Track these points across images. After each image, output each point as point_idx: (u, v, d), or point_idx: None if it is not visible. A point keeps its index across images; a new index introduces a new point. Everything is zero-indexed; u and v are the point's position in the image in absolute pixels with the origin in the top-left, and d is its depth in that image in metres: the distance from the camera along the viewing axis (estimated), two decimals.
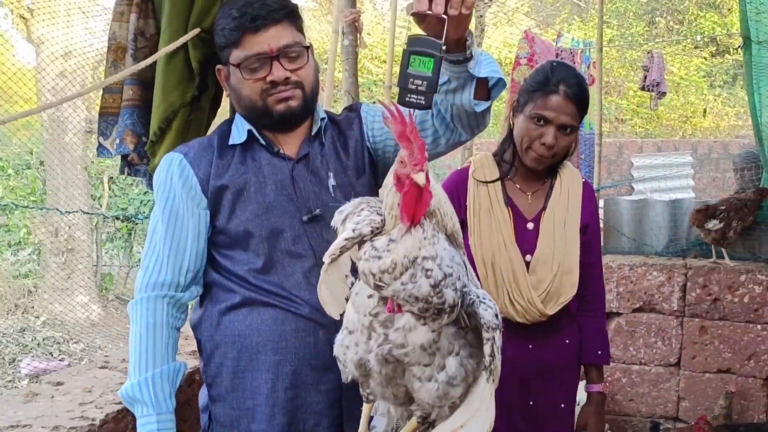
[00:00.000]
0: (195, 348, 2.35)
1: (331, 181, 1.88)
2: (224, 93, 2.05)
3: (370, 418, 1.64)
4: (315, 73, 1.90)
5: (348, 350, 1.45)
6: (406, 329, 1.37)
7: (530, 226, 2.29)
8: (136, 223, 8.40)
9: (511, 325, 2.23)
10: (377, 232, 1.37)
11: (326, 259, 1.41)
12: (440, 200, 1.38)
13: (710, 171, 12.34)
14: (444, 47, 1.50)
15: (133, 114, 2.10)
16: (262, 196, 1.82)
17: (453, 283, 1.34)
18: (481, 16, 5.05)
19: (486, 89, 1.76)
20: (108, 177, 8.11)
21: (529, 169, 2.30)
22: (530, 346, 2.31)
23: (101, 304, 8.10)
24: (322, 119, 1.93)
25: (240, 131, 1.88)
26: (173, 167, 1.84)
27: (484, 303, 1.37)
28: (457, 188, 2.32)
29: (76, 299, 7.71)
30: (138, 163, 2.16)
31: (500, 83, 1.77)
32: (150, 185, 2.11)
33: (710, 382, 4.20)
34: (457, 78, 1.69)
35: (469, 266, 1.43)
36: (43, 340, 6.61)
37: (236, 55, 1.80)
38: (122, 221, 8.33)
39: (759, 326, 4.09)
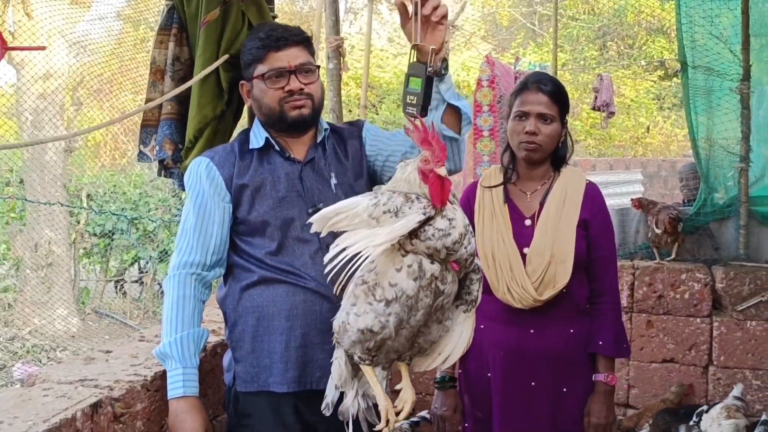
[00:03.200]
0: (215, 324, 2.74)
1: (333, 181, 2.30)
2: (245, 106, 2.49)
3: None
4: (322, 90, 2.34)
5: (391, 316, 1.79)
6: (452, 282, 1.83)
7: (528, 222, 2.60)
8: (113, 239, 8.70)
9: (513, 311, 2.56)
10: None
11: (387, 238, 1.70)
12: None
13: (659, 188, 12.96)
14: (430, 69, 1.96)
15: (171, 125, 2.53)
16: (276, 192, 2.24)
17: None
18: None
19: (459, 124, 2.23)
20: (86, 194, 8.42)
21: (528, 169, 2.64)
22: (532, 331, 2.58)
23: (80, 317, 8.37)
24: (326, 129, 2.37)
25: (258, 137, 2.30)
26: (201, 168, 2.26)
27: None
28: (468, 197, 2.72)
29: (56, 312, 7.97)
30: (172, 166, 2.58)
31: (469, 123, 2.24)
32: (181, 185, 2.51)
33: (656, 371, 4.65)
34: (433, 99, 2.15)
35: None
36: (32, 347, 6.88)
37: (260, 68, 2.24)
38: (99, 237, 8.62)
39: (698, 320, 4.56)
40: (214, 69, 2.39)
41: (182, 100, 2.52)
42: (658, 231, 4.57)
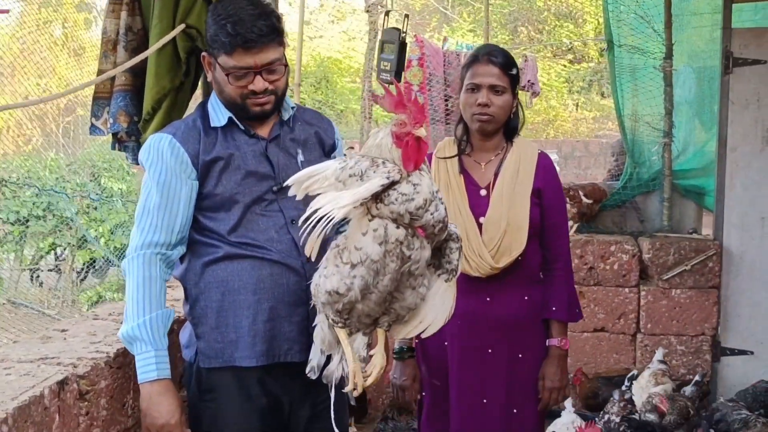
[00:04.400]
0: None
1: (300, 158, 2.28)
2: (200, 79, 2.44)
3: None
4: (287, 77, 2.28)
5: (355, 279, 1.82)
6: (421, 248, 1.83)
7: (483, 192, 2.62)
8: (28, 226, 8.39)
9: (470, 280, 2.54)
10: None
11: (350, 201, 1.73)
12: None
13: (573, 168, 13.34)
14: (404, 35, 1.96)
15: (126, 97, 2.45)
16: (245, 168, 2.20)
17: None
18: (373, 22, 5.54)
19: None
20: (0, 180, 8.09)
21: (481, 140, 2.66)
22: (488, 299, 2.61)
23: None
24: (293, 108, 2.33)
25: (219, 115, 2.23)
26: (164, 145, 2.17)
27: (451, 224, 1.86)
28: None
29: None
30: (126, 140, 2.51)
31: None
32: (135, 160, 2.45)
33: (588, 340, 4.81)
34: None
35: None
36: None
37: (225, 60, 2.13)
38: (12, 224, 8.30)
39: (627, 290, 4.74)
40: (171, 39, 2.32)
41: (137, 71, 2.45)
42: (588, 201, 4.73)
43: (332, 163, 1.86)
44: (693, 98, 5.19)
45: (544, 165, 2.70)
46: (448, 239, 1.89)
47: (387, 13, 1.89)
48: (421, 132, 1.77)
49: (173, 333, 2.46)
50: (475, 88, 2.61)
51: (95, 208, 8.51)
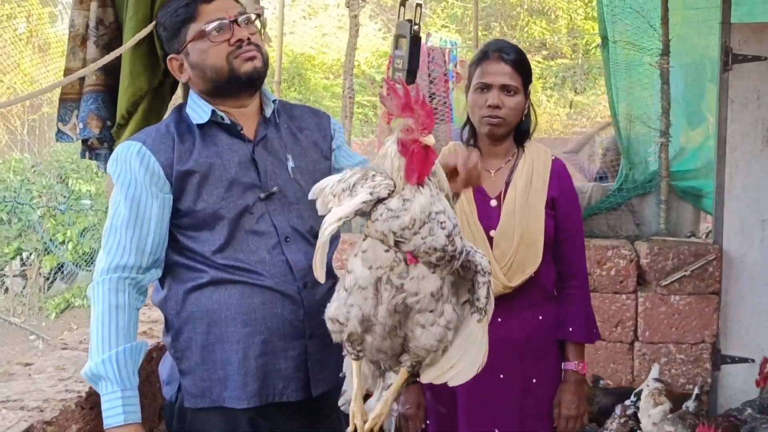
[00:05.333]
0: (145, 325, 2.43)
1: (290, 164, 2.02)
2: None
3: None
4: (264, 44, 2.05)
5: (352, 308, 1.59)
6: (419, 278, 1.55)
7: (493, 203, 2.40)
8: None
9: None
10: (391, 195, 1.55)
11: (333, 220, 1.55)
12: (437, 163, 1.59)
13: None
14: (417, 26, 1.71)
15: (98, 99, 2.17)
16: (228, 178, 1.93)
17: (459, 232, 1.56)
18: (355, 16, 5.29)
19: None
20: None
21: (491, 145, 2.43)
22: (499, 320, 2.29)
23: None
24: (274, 101, 2.07)
25: (199, 112, 1.97)
26: (131, 155, 1.90)
27: (478, 252, 1.60)
28: None
29: None
30: (98, 147, 2.23)
31: None
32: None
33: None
34: None
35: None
36: None
37: (195, 27, 1.92)
38: None
39: (624, 296, 4.55)
40: (148, 33, 2.05)
41: (109, 69, 2.16)
42: None
43: (334, 176, 1.67)
44: (680, 95, 5.00)
45: (559, 172, 2.48)
46: (475, 271, 1.63)
47: (403, 3, 1.63)
48: (429, 140, 1.52)
49: (152, 361, 2.20)
50: (484, 88, 2.38)
51: (62, 212, 8.15)
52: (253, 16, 1.98)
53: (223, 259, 1.92)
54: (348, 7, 5.36)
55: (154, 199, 1.89)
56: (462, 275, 1.64)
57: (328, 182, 1.65)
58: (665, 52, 4.54)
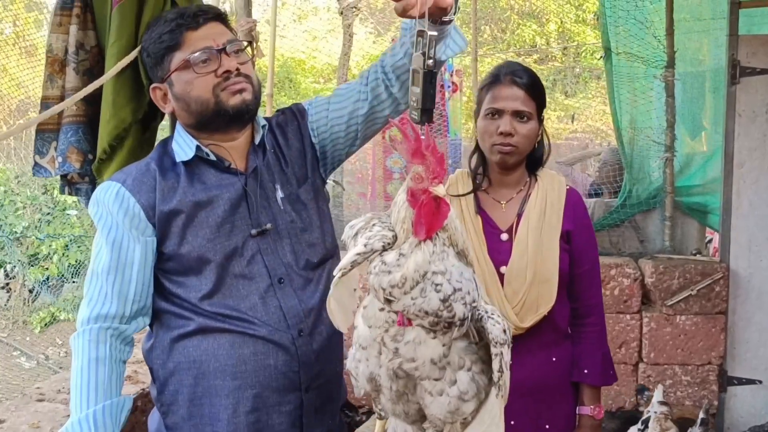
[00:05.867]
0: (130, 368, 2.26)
1: (279, 194, 1.87)
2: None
3: None
4: (256, 75, 1.90)
5: (360, 364, 1.47)
6: (416, 342, 1.40)
7: (504, 237, 2.24)
8: None
9: None
10: (388, 247, 1.40)
11: (336, 273, 1.43)
12: (451, 215, 1.42)
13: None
14: (431, 61, 1.54)
15: (78, 130, 1.99)
16: (215, 217, 1.78)
17: (462, 297, 1.39)
18: (349, 25, 5.13)
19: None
20: None
21: (501, 174, 2.28)
22: (510, 362, 2.27)
23: None
24: (263, 126, 1.92)
25: (184, 147, 1.82)
26: (109, 197, 1.77)
27: (492, 318, 1.43)
28: None
29: None
30: (79, 181, 2.05)
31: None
32: None
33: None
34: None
35: (480, 282, 1.48)
36: None
37: (179, 56, 1.77)
38: None
39: (628, 316, 4.41)
40: (132, 60, 1.88)
41: (91, 99, 1.99)
42: None
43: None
44: (684, 108, 4.85)
45: (574, 203, 2.32)
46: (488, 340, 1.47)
47: (421, 34, 1.43)
48: (440, 190, 1.37)
49: (137, 411, 2.04)
50: (496, 114, 2.22)
51: (48, 222, 7.94)
52: (245, 43, 1.83)
53: (211, 306, 1.77)
54: (341, 15, 5.22)
55: (135, 242, 1.75)
56: (478, 341, 1.47)
57: (347, 228, 1.51)
58: (670, 64, 4.40)
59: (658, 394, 3.94)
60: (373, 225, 1.43)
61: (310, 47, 16.57)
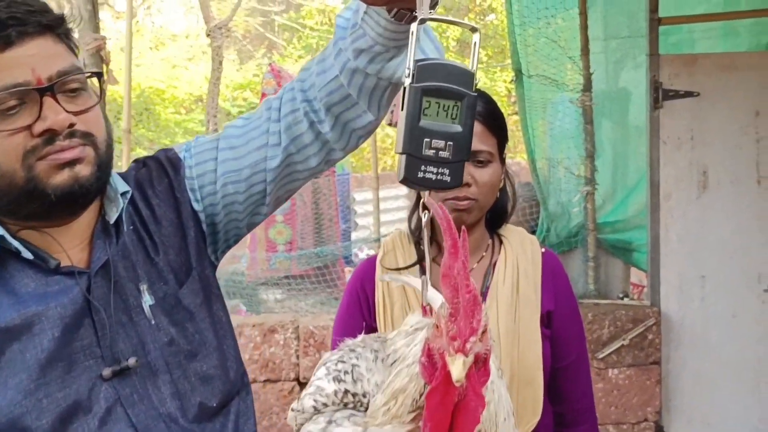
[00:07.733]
0: None
1: (148, 299, 1.16)
2: None
3: None
4: (107, 121, 1.18)
5: None
6: None
7: None
8: None
9: None
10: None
11: None
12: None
13: None
14: (477, 81, 0.89)
15: None
16: (37, 354, 1.06)
17: None
18: (218, 47, 4.46)
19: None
20: None
21: None
22: None
23: None
24: (123, 194, 1.20)
25: None
26: None
27: None
28: (363, 286, 1.66)
29: None
30: None
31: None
32: None
33: None
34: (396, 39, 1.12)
35: None
36: None
37: None
38: None
39: None
40: None
41: None
42: None
43: None
44: (574, 131, 4.41)
45: (553, 271, 1.72)
46: None
47: (422, 22, 0.85)
48: (456, 369, 0.81)
49: None
50: None
51: None
52: (87, 73, 1.12)
53: None
54: (209, 36, 4.51)
55: None
56: None
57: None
58: (587, 87, 3.93)
59: None
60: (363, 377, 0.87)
61: (169, 75, 15.55)
